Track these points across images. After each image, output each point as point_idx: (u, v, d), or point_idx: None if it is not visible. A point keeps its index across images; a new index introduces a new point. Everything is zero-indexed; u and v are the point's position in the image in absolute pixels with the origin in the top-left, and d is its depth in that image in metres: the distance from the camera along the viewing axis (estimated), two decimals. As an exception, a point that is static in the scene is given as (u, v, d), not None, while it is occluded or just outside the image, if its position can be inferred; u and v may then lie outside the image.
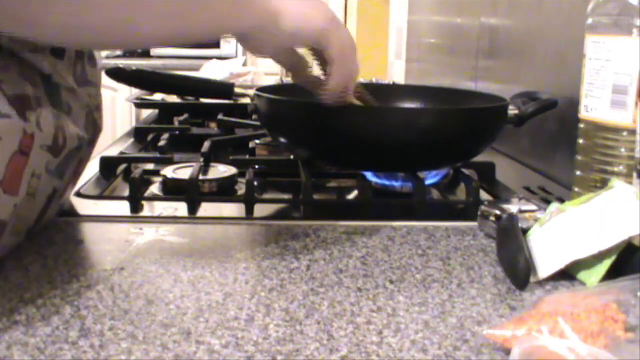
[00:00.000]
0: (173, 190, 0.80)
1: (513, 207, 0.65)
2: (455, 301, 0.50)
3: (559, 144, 0.93)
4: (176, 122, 1.30)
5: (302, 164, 0.81)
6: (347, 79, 0.66)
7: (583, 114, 0.68)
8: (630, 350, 0.39)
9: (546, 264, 0.55)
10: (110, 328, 0.44)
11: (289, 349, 0.42)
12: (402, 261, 0.59)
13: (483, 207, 0.67)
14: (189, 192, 0.75)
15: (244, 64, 2.07)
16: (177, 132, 1.14)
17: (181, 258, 0.58)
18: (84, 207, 0.72)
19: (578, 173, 0.69)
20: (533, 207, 0.65)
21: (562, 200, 0.71)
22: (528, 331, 0.41)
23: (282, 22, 0.60)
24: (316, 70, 0.70)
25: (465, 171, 0.83)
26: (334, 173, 0.90)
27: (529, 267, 0.53)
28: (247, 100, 0.87)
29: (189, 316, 0.47)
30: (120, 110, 3.01)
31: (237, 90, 0.90)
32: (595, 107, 0.66)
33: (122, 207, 0.73)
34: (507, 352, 0.41)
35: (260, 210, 0.74)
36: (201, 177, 0.79)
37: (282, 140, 0.82)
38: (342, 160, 0.81)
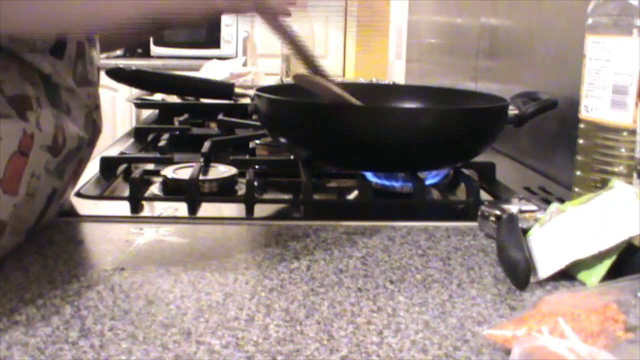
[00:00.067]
0: (173, 190, 0.80)
1: (513, 207, 0.65)
2: (455, 301, 0.50)
3: (559, 144, 0.93)
4: (176, 122, 1.30)
5: (302, 164, 0.81)
6: None
7: (583, 114, 0.68)
8: (630, 350, 0.39)
9: (546, 264, 0.55)
10: (110, 328, 0.44)
11: (289, 349, 0.42)
12: (402, 261, 0.59)
13: (483, 207, 0.67)
14: (189, 192, 0.75)
15: (244, 64, 2.07)
16: (177, 132, 1.14)
17: (181, 258, 0.58)
18: (84, 207, 0.72)
19: (578, 173, 0.69)
20: (533, 207, 0.65)
21: (562, 200, 0.71)
22: (528, 331, 0.41)
23: None
24: None
25: (465, 171, 0.83)
26: (334, 173, 0.90)
27: (529, 267, 0.53)
28: (247, 100, 0.87)
29: (189, 316, 0.47)
30: (120, 110, 3.01)
31: (237, 90, 0.90)
32: (595, 107, 0.66)
33: (122, 207, 0.73)
34: (507, 352, 0.41)
35: (260, 210, 0.74)
36: (201, 177, 0.79)
37: (282, 140, 0.82)
38: (342, 160, 0.81)
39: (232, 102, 1.14)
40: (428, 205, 0.78)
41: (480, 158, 0.85)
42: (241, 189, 0.81)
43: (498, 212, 0.64)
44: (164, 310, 0.47)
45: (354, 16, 2.94)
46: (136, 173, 0.78)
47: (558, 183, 0.89)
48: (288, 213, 0.75)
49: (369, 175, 0.82)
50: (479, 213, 0.67)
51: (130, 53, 3.27)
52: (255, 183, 0.77)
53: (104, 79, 0.80)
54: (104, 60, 0.70)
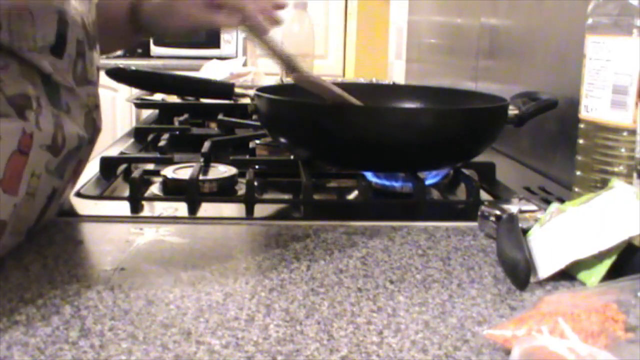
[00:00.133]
0: (173, 190, 0.80)
1: (513, 207, 0.65)
2: (455, 301, 0.50)
3: (559, 144, 0.93)
4: (176, 122, 1.30)
5: (302, 164, 0.81)
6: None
7: (583, 114, 0.68)
8: (630, 350, 0.39)
9: (546, 264, 0.55)
10: (110, 328, 0.44)
11: (289, 349, 0.42)
12: (402, 261, 0.59)
13: (483, 207, 0.67)
14: (189, 192, 0.75)
15: (244, 64, 2.07)
16: (177, 132, 1.14)
17: (181, 258, 0.58)
18: (83, 207, 0.72)
19: (578, 173, 0.69)
20: (533, 207, 0.65)
21: (562, 200, 0.71)
22: (528, 331, 0.41)
23: None
24: None
25: (465, 171, 0.83)
26: (334, 173, 0.90)
27: (529, 267, 0.53)
28: (247, 100, 0.87)
29: (189, 316, 0.47)
30: (120, 110, 3.01)
31: (237, 90, 0.90)
32: (595, 107, 0.66)
33: (122, 207, 0.73)
34: (507, 352, 0.41)
35: (260, 210, 0.74)
36: (201, 177, 0.79)
37: (282, 140, 0.82)
38: (342, 160, 0.81)
39: (232, 102, 1.14)
40: (428, 205, 0.78)
41: (480, 158, 0.85)
42: (241, 189, 0.81)
43: (498, 212, 0.64)
44: (164, 310, 0.47)
45: (354, 16, 2.94)
46: (136, 173, 0.78)
47: (558, 183, 0.89)
48: (288, 213, 0.75)
49: (369, 175, 0.82)
50: (479, 213, 0.67)
51: (130, 53, 3.27)
52: (255, 183, 0.77)
53: (104, 79, 0.80)
54: (104, 60, 0.70)
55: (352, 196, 0.84)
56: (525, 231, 0.60)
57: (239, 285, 0.52)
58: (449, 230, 0.67)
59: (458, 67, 1.46)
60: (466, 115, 0.78)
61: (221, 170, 0.84)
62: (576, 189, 0.69)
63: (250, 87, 0.92)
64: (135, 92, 1.48)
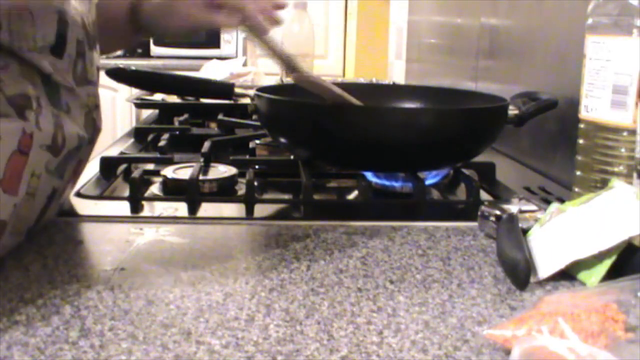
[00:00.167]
0: (173, 190, 0.80)
1: (513, 207, 0.65)
2: (455, 301, 0.50)
3: (559, 144, 0.93)
4: (176, 122, 1.30)
5: (302, 164, 0.81)
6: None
7: (583, 114, 0.68)
8: (630, 350, 0.39)
9: (546, 264, 0.55)
10: (110, 328, 0.44)
11: (289, 349, 0.42)
12: (402, 261, 0.58)
13: (483, 207, 0.67)
14: (189, 192, 0.75)
15: (244, 64, 2.07)
16: (177, 132, 1.14)
17: (181, 258, 0.58)
18: (83, 207, 0.72)
19: (578, 173, 0.69)
20: (533, 207, 0.65)
21: (562, 200, 0.71)
22: (528, 331, 0.41)
23: None
24: None
25: (465, 171, 0.83)
26: (334, 173, 0.90)
27: (529, 267, 0.53)
28: (247, 100, 0.87)
29: (189, 316, 0.47)
30: (120, 110, 3.01)
31: (237, 90, 0.90)
32: (595, 107, 0.66)
33: (122, 207, 0.73)
34: (507, 352, 0.41)
35: (260, 210, 0.74)
36: (201, 177, 0.79)
37: (282, 140, 0.82)
38: (342, 160, 0.81)
39: (232, 102, 1.14)
40: (428, 205, 0.78)
41: (480, 158, 0.85)
42: (241, 189, 0.81)
43: (498, 212, 0.64)
44: (164, 310, 0.47)
45: (354, 16, 2.94)
46: (136, 173, 0.78)
47: (558, 183, 0.89)
48: (288, 213, 0.75)
49: (369, 175, 0.82)
50: (479, 213, 0.67)
51: (130, 53, 3.27)
52: (255, 183, 0.77)
53: (104, 79, 0.80)
54: (104, 60, 0.70)
55: (352, 196, 0.84)
56: (525, 231, 0.60)
57: (239, 285, 0.52)
58: (449, 230, 0.67)
59: (458, 67, 1.46)
60: (466, 115, 0.78)
61: (221, 170, 0.84)
62: (576, 189, 0.69)
63: (250, 87, 0.92)
64: (135, 92, 1.48)
